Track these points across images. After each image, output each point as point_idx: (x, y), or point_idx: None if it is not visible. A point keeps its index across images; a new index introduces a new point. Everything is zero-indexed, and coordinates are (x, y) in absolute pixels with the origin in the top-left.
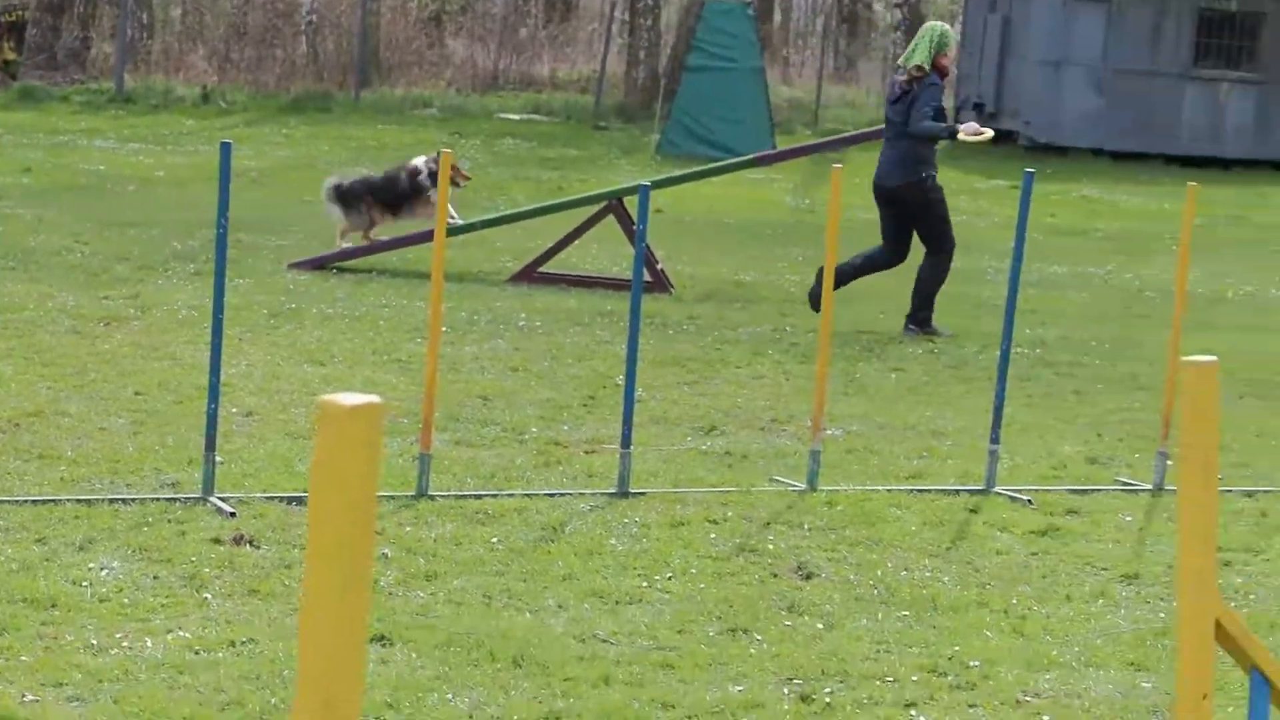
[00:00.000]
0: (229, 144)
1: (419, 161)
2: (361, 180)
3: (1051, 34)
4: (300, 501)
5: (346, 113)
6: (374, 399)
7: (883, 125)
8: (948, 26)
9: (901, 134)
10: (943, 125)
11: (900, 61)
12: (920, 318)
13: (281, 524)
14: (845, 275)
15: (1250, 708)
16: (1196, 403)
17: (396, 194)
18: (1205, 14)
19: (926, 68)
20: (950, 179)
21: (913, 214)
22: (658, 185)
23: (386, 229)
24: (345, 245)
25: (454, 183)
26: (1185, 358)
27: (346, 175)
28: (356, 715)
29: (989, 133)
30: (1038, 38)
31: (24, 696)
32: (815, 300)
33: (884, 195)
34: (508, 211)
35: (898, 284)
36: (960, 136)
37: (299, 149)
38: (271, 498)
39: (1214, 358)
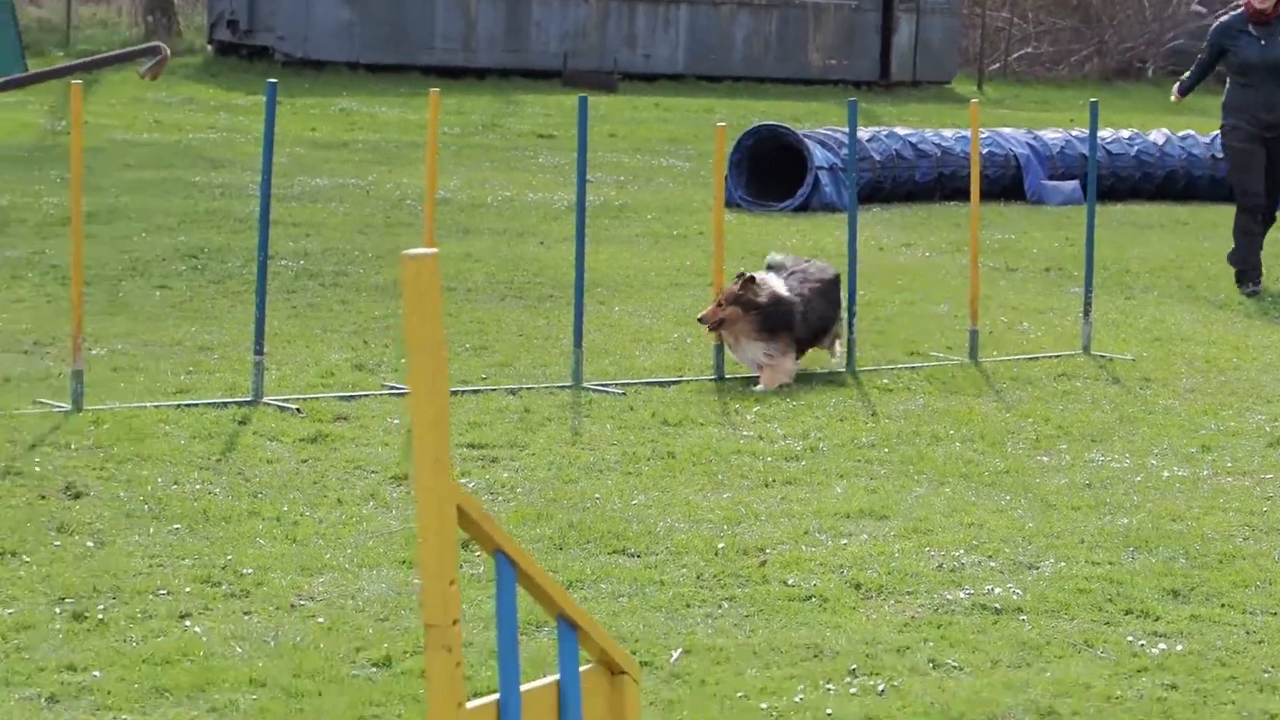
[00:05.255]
0: None
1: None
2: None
3: None
4: None
5: None
6: None
7: (127, 48)
8: None
9: None
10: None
11: None
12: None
13: None
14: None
15: (497, 588)
16: (417, 295)
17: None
18: None
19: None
20: (209, 96)
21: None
22: None
23: None
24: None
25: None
26: (405, 250)
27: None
28: None
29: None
30: None
31: None
32: (1242, 269)
33: None
34: None
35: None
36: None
37: None
38: None
39: (434, 250)
